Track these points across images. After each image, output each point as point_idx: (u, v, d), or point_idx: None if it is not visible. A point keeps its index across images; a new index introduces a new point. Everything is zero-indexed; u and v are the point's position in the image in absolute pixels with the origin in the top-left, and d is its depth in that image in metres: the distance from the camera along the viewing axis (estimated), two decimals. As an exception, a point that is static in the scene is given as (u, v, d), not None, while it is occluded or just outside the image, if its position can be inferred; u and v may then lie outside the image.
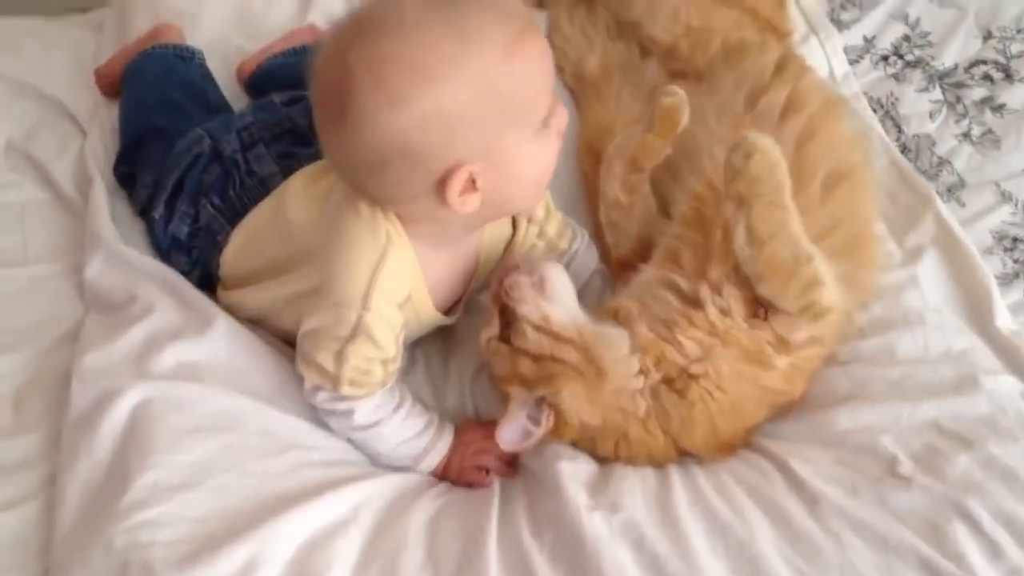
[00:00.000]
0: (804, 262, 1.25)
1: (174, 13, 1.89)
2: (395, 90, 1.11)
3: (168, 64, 1.77)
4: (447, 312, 1.40)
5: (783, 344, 1.29)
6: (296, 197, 1.38)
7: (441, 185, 1.17)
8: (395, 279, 1.26)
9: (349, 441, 1.37)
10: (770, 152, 1.24)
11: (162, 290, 1.44)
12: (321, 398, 1.32)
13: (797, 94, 1.51)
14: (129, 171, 1.63)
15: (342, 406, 1.31)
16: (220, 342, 1.39)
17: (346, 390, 1.28)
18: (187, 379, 1.33)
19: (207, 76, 1.80)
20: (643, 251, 1.44)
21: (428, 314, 1.36)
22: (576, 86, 1.78)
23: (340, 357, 1.26)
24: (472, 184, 1.19)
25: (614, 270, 1.51)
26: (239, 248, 1.45)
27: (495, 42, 1.14)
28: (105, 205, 1.58)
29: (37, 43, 1.93)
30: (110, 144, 1.71)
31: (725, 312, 1.28)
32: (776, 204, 1.25)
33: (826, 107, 1.52)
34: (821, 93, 1.56)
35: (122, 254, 1.50)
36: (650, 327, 1.30)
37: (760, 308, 1.29)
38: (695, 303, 1.30)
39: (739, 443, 1.35)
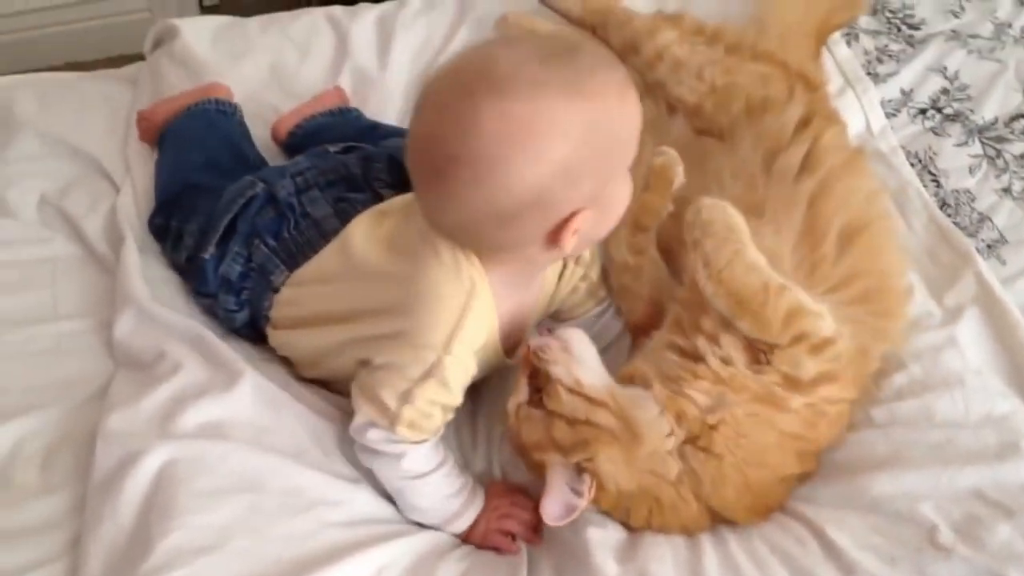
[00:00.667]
0: (775, 291, 1.26)
1: (209, 68, 1.91)
2: (536, 149, 1.15)
3: (209, 120, 1.79)
4: (509, 353, 1.41)
5: (793, 383, 1.28)
6: (360, 242, 1.39)
7: (557, 231, 1.22)
8: (477, 326, 1.28)
9: (387, 488, 1.36)
10: (719, 204, 1.32)
11: (191, 348, 1.44)
12: (373, 436, 1.31)
13: (816, 151, 1.51)
14: (164, 224, 1.63)
15: (394, 449, 1.30)
16: (245, 400, 1.38)
17: (402, 431, 1.28)
18: (211, 438, 1.32)
19: (245, 134, 1.81)
20: (655, 317, 1.44)
21: (496, 357, 1.38)
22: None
23: (406, 396, 1.27)
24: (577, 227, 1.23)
25: (630, 336, 1.51)
26: (299, 292, 1.45)
27: (610, 91, 1.19)
28: (137, 262, 1.58)
29: (71, 99, 1.94)
30: (142, 201, 1.72)
31: (727, 361, 1.29)
32: (728, 240, 1.29)
33: (847, 162, 1.52)
34: (842, 148, 1.55)
35: (152, 312, 1.50)
36: (663, 386, 1.29)
37: (760, 352, 1.29)
38: (696, 357, 1.30)
39: (773, 503, 1.33)
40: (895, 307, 1.45)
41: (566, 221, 1.21)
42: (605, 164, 1.21)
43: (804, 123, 1.55)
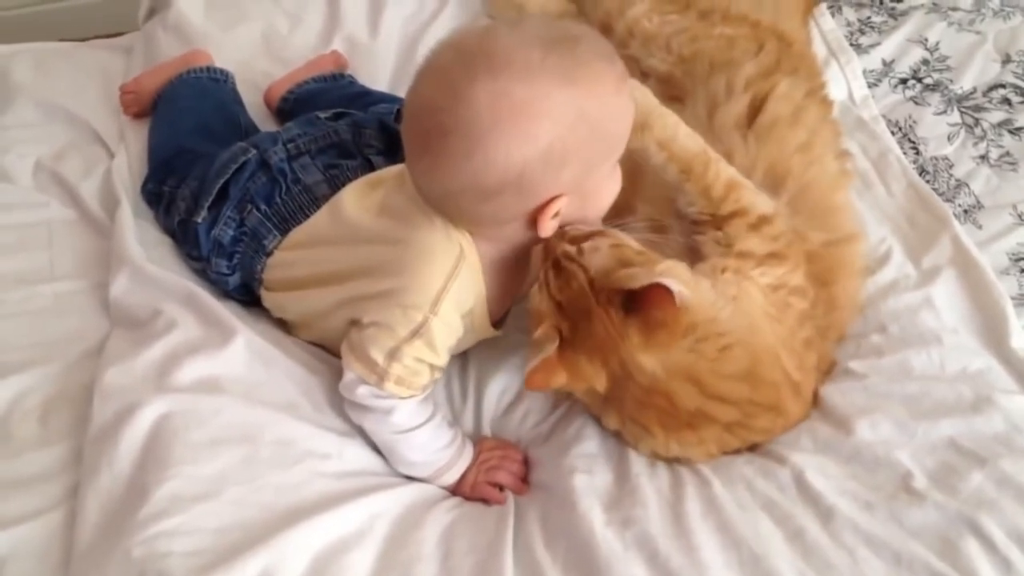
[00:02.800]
0: (715, 158, 1.36)
1: (202, 36, 1.93)
2: (525, 130, 1.17)
3: (202, 87, 1.82)
4: (496, 324, 1.44)
5: (745, 256, 1.35)
6: (352, 208, 1.42)
7: (536, 213, 1.25)
8: (464, 289, 1.31)
9: (377, 444, 1.38)
10: (641, 87, 1.44)
11: (185, 306, 1.47)
12: (362, 392, 1.34)
13: (763, 103, 1.56)
14: (157, 190, 1.66)
15: (383, 404, 1.33)
16: (239, 356, 1.41)
17: (390, 387, 1.31)
18: (206, 392, 1.35)
19: (237, 100, 1.84)
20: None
21: (483, 326, 1.40)
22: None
23: (394, 354, 1.30)
24: (557, 211, 1.25)
25: None
26: (291, 255, 1.48)
27: (606, 84, 1.22)
28: (131, 225, 1.61)
29: (67, 67, 1.97)
30: (136, 166, 1.75)
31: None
32: (666, 114, 1.38)
33: (794, 112, 1.56)
34: (794, 99, 1.59)
35: (147, 271, 1.53)
36: None
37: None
38: None
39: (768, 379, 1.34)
40: (833, 220, 1.49)
41: (545, 205, 1.24)
42: (590, 154, 1.23)
43: (759, 77, 1.59)
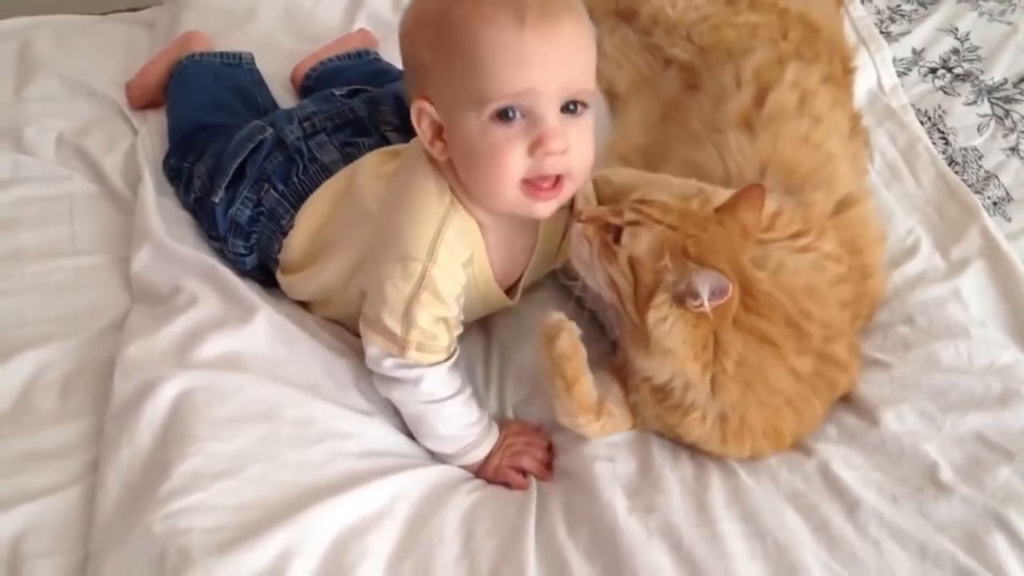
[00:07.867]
0: (711, 190, 1.32)
1: (224, 13, 1.93)
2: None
3: (215, 71, 1.81)
4: (507, 292, 1.42)
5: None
6: (367, 176, 1.42)
7: (416, 115, 1.27)
8: (459, 236, 1.30)
9: (406, 417, 1.38)
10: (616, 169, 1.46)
11: (206, 283, 1.47)
12: (388, 365, 1.33)
13: (767, 95, 1.54)
14: (179, 165, 1.65)
15: (411, 374, 1.32)
16: (261, 334, 1.40)
17: (413, 355, 1.30)
18: (228, 369, 1.34)
19: (256, 80, 1.83)
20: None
21: (487, 283, 1.38)
22: (608, 102, 1.83)
23: (407, 318, 1.29)
24: (439, 133, 1.26)
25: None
26: (307, 228, 1.47)
27: (508, 10, 1.18)
28: (153, 200, 1.60)
29: (90, 41, 1.97)
30: (159, 142, 1.75)
31: None
32: (649, 181, 1.39)
33: (799, 100, 1.55)
34: (800, 87, 1.57)
35: (169, 247, 1.52)
36: None
37: None
38: None
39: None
40: (823, 174, 1.48)
41: (419, 105, 1.25)
42: (454, 67, 1.20)
43: (769, 66, 1.58)
